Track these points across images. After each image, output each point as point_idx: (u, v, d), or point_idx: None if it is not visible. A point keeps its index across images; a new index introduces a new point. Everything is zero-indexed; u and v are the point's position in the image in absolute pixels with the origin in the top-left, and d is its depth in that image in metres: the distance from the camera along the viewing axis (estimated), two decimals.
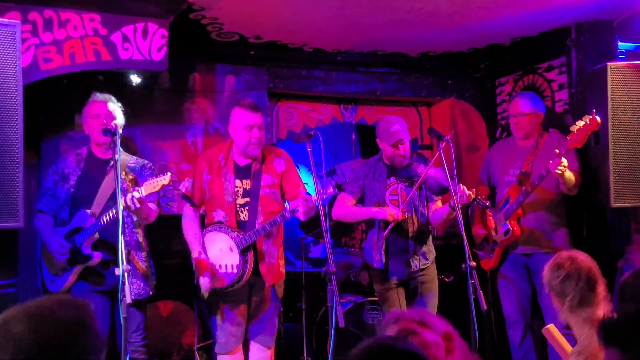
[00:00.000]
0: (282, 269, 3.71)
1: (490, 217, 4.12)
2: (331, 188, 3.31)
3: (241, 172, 3.64)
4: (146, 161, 3.81)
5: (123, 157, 3.68)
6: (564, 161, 3.69)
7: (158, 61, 4.01)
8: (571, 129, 3.67)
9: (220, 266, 3.55)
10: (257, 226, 3.52)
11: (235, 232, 3.53)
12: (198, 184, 3.66)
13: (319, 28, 4.46)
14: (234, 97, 4.87)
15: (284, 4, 3.99)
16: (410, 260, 3.92)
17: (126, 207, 3.32)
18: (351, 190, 4.05)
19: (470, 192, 3.61)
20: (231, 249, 3.52)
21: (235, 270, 3.51)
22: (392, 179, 3.98)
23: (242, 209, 3.60)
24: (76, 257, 3.52)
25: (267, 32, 4.56)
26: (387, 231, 3.87)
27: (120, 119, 3.65)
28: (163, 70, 4.17)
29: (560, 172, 3.69)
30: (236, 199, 3.60)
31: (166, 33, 4.01)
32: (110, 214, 3.42)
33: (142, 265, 3.64)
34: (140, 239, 3.67)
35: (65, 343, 1.35)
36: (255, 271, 3.56)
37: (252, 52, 4.86)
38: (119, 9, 3.88)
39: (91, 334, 1.40)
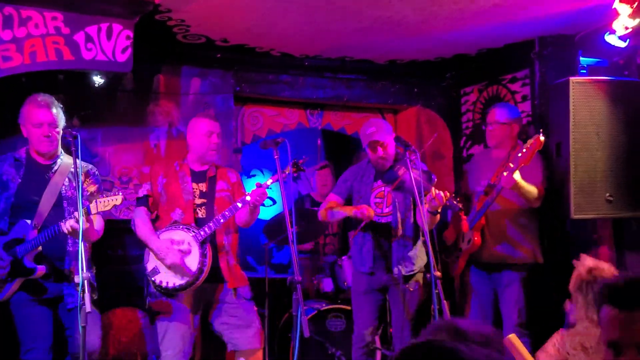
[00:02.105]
0: (244, 275, 3.83)
1: (465, 222, 4.14)
2: (289, 168, 3.46)
3: (197, 177, 3.80)
4: (90, 166, 3.68)
5: (67, 160, 3.57)
6: (516, 176, 3.76)
7: (122, 62, 3.92)
8: (524, 146, 3.79)
9: (178, 263, 3.58)
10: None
11: (192, 227, 3.62)
12: (154, 188, 3.78)
13: (287, 33, 4.44)
14: (200, 100, 4.82)
15: (251, 8, 3.95)
16: (393, 266, 3.89)
17: (69, 233, 3.22)
18: (338, 191, 4.09)
19: (443, 195, 3.61)
20: (189, 244, 3.59)
21: (196, 264, 3.56)
22: (379, 182, 3.97)
23: (200, 208, 3.75)
24: (18, 269, 3.36)
25: (235, 36, 4.51)
26: (357, 230, 3.89)
27: (62, 121, 3.53)
28: (127, 71, 4.08)
29: (512, 184, 3.77)
30: (194, 199, 3.74)
31: (131, 34, 3.92)
32: (57, 228, 3.28)
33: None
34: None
35: None
36: (213, 277, 3.62)
37: (219, 55, 4.81)
38: (83, 8, 3.78)
39: None
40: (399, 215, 3.92)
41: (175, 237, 3.62)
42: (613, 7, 3.74)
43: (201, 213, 3.72)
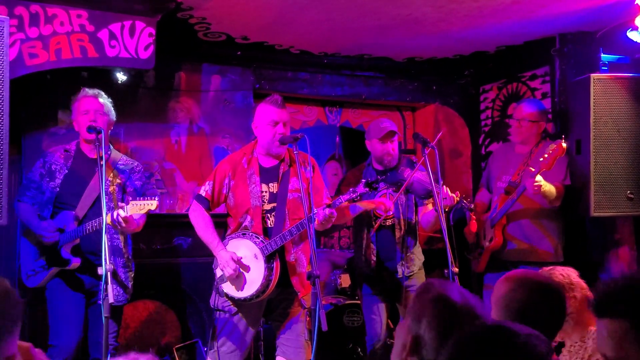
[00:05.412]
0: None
1: (474, 221, 4.14)
2: (361, 187, 3.26)
3: (267, 175, 3.45)
4: (136, 163, 3.72)
5: (113, 155, 3.64)
6: (539, 179, 3.75)
7: (145, 59, 3.99)
8: (546, 150, 3.77)
9: (244, 274, 3.36)
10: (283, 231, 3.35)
11: (260, 238, 3.34)
12: (217, 188, 3.46)
13: (306, 30, 4.47)
14: (220, 97, 4.87)
15: (271, 6, 3.99)
16: (397, 266, 3.94)
17: (111, 225, 3.27)
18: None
19: (454, 195, 3.63)
20: (256, 256, 3.33)
21: (261, 279, 3.31)
22: (382, 184, 3.98)
23: (269, 215, 3.42)
24: (54, 258, 3.45)
25: (254, 33, 4.55)
26: (376, 227, 3.85)
27: (111, 115, 3.61)
28: (149, 68, 4.15)
29: (536, 191, 3.76)
30: (262, 205, 3.41)
31: (153, 31, 3.99)
32: (96, 224, 3.34)
33: (117, 272, 3.53)
34: (121, 244, 3.59)
35: None
36: (282, 282, 3.38)
37: (239, 53, 4.85)
38: (107, 6, 3.85)
39: (13, 300, 1.73)
40: (402, 217, 3.95)
41: (243, 246, 3.36)
42: (635, 3, 3.72)
43: (270, 222, 3.40)
